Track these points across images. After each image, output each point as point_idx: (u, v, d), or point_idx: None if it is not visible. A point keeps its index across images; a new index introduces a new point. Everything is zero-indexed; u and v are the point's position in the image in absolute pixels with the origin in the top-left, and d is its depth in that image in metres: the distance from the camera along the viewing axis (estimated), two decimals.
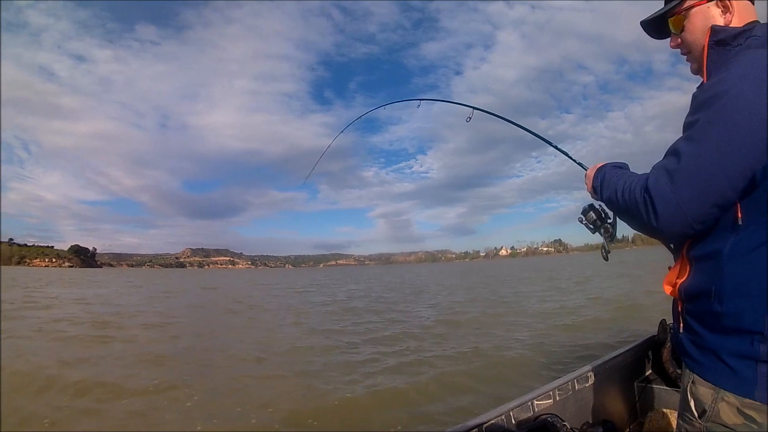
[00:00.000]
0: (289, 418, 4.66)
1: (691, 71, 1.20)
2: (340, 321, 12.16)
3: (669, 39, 1.24)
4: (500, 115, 2.07)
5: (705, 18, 1.12)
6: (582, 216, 1.46)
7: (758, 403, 0.92)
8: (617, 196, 1.11)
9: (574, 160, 1.65)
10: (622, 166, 1.23)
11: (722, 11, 1.10)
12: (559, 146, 1.79)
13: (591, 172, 1.29)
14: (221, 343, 9.12)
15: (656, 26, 1.25)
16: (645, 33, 1.29)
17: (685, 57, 1.21)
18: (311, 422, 4.52)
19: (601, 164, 1.28)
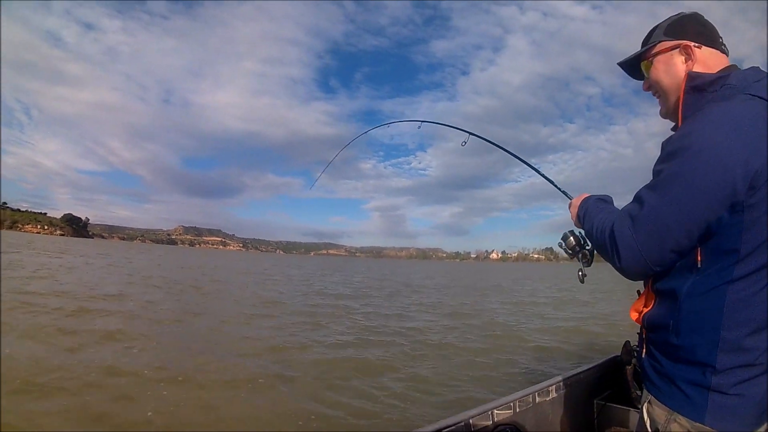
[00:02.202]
0: None
1: (660, 115, 1.26)
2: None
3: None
4: (494, 141, 2.12)
5: (667, 65, 1.19)
6: (562, 241, 1.53)
7: (707, 427, 1.00)
8: (593, 232, 1.22)
9: (558, 188, 1.72)
10: (606, 200, 1.31)
11: (684, 59, 1.16)
12: (545, 173, 1.87)
13: (577, 202, 1.38)
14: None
15: (634, 69, 1.32)
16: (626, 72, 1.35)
17: (658, 100, 1.27)
18: None
19: (586, 195, 1.36)
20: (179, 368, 5.81)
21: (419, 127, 2.57)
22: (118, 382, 5.18)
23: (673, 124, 1.22)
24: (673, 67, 1.17)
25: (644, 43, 1.26)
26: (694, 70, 1.14)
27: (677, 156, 1.01)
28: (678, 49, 1.17)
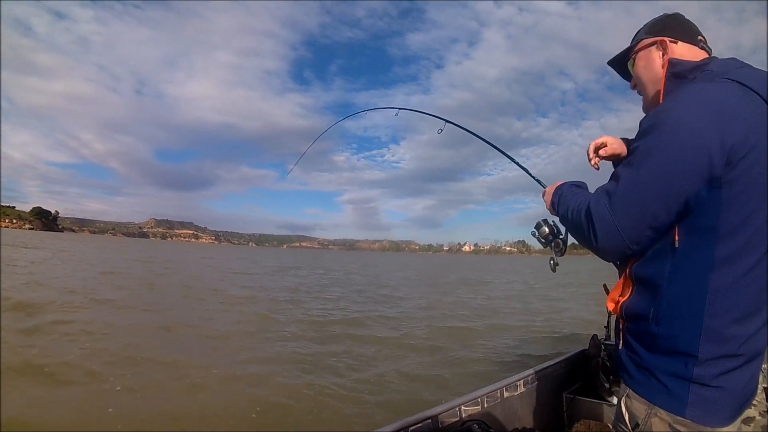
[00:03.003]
0: None
1: (642, 109, 1.27)
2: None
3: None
4: (471, 130, 2.11)
5: (646, 60, 1.22)
6: (535, 230, 1.51)
7: (689, 421, 0.97)
8: (568, 215, 1.19)
9: (533, 177, 1.71)
10: (580, 185, 1.29)
11: (661, 54, 1.19)
12: (520, 162, 1.87)
13: (550, 190, 1.35)
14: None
15: (622, 68, 1.35)
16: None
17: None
18: None
19: (560, 183, 1.34)
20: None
21: (396, 114, 2.53)
22: None
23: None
24: (651, 61, 1.21)
25: (631, 43, 1.29)
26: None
27: (652, 131, 1.00)
28: (656, 45, 1.20)
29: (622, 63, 1.33)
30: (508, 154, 1.92)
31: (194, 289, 14.84)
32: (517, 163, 1.88)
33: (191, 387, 5.17)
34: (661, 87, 1.14)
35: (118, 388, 4.89)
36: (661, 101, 1.13)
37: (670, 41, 1.17)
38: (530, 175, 1.76)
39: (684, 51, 1.16)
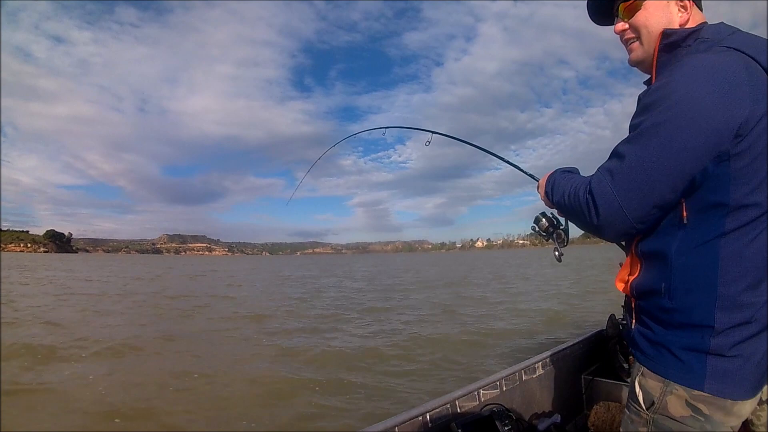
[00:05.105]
0: None
1: (630, 61, 1.19)
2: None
3: (611, 26, 1.22)
4: (457, 137, 2.16)
5: (663, 11, 1.11)
6: (534, 225, 1.50)
7: (706, 394, 0.95)
8: (564, 199, 1.15)
9: (525, 172, 1.69)
10: (572, 171, 1.26)
11: (679, 10, 1.10)
12: (510, 160, 1.85)
13: (543, 181, 1.32)
14: None
15: (603, 10, 1.24)
16: (588, 14, 1.28)
17: (628, 44, 1.19)
18: None
19: (550, 172, 1.31)
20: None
21: (384, 134, 2.59)
22: None
23: (646, 76, 1.18)
24: (668, 15, 1.10)
25: None
26: (686, 25, 1.09)
27: (656, 107, 0.96)
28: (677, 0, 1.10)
29: (609, 3, 1.20)
30: (497, 154, 1.95)
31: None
32: (507, 161, 1.87)
33: None
34: (654, 60, 1.10)
35: None
36: (654, 72, 1.10)
37: (692, 2, 1.09)
38: (522, 170, 1.75)
39: (695, 14, 1.10)
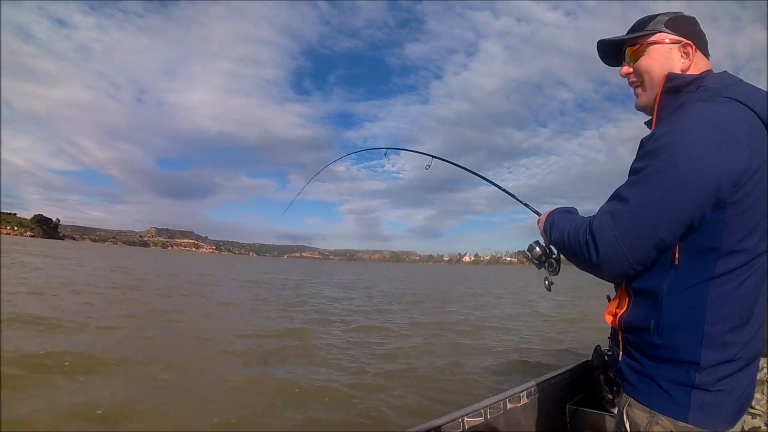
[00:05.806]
0: None
1: (636, 106, 1.23)
2: None
3: (620, 67, 1.26)
4: (457, 163, 2.22)
5: (665, 58, 1.15)
6: (528, 252, 1.53)
7: (691, 426, 0.98)
8: (564, 238, 1.17)
9: (527, 206, 1.70)
10: (571, 211, 1.30)
11: (682, 56, 1.14)
12: (512, 192, 1.89)
13: (543, 218, 1.36)
14: None
15: (611, 51, 1.28)
16: (598, 54, 1.31)
17: (633, 88, 1.23)
18: None
19: (551, 210, 1.34)
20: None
21: (385, 154, 2.65)
22: None
23: (648, 118, 1.21)
24: (670, 61, 1.15)
25: (635, 29, 1.22)
26: (688, 71, 1.13)
27: (660, 153, 0.99)
28: (679, 45, 1.15)
29: (617, 46, 1.25)
30: (498, 184, 1.97)
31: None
32: (507, 191, 1.91)
33: None
34: (656, 102, 1.14)
35: None
36: (655, 115, 1.14)
37: (696, 49, 1.14)
38: (518, 199, 1.81)
39: (698, 60, 1.14)
